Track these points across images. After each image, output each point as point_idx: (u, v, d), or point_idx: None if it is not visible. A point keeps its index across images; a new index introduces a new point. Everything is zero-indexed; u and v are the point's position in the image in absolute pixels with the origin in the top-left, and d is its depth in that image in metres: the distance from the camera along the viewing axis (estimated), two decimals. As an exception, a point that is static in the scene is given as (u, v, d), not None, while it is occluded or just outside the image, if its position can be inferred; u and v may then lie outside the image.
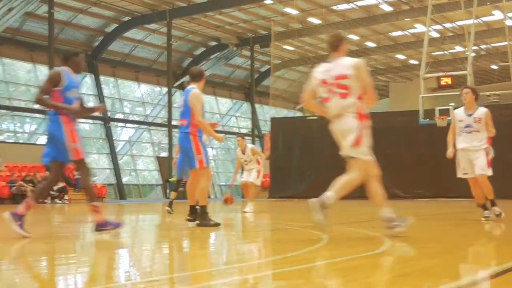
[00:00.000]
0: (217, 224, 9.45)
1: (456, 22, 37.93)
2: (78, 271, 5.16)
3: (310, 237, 7.52)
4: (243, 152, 16.61)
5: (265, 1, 35.22)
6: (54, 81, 7.72)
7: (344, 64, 7.15)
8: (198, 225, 9.48)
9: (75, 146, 7.77)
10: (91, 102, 38.96)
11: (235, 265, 5.31)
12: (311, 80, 7.46)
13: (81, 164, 7.85)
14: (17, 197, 26.16)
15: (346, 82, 7.07)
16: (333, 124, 7.30)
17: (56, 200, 26.94)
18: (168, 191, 35.54)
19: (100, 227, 7.93)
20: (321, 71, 7.33)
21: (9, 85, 34.43)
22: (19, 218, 7.46)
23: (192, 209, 9.94)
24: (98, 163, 39.72)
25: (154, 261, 5.98)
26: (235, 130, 49.21)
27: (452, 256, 5.78)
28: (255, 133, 45.58)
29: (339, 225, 9.58)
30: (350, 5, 36.79)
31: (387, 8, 36.83)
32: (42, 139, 33.89)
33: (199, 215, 9.64)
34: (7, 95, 34.16)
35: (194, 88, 9.63)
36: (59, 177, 12.36)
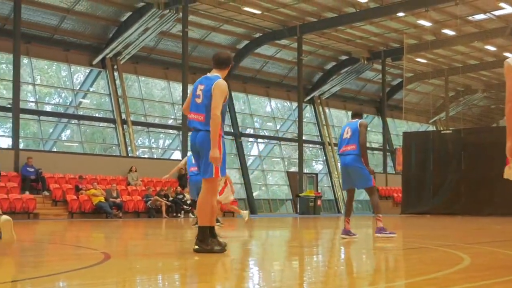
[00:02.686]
0: (223, 250, 7.65)
1: None
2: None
3: (449, 257, 7.13)
4: None
5: (397, 14, 34.62)
6: None
7: None
8: (197, 251, 7.60)
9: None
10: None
11: (377, 287, 5.05)
12: None
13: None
14: (151, 211, 26.85)
15: None
16: None
17: (190, 215, 27.38)
18: (298, 206, 35.49)
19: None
20: None
21: (145, 102, 35.50)
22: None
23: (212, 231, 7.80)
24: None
25: (283, 275, 5.81)
26: (367, 145, 48.50)
27: None
28: (386, 148, 44.78)
29: (480, 244, 9.09)
30: (487, 15, 35.51)
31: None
32: (176, 155, 34.68)
33: (198, 238, 7.66)
34: (143, 112, 35.21)
35: (219, 78, 7.88)
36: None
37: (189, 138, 8.41)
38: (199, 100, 7.79)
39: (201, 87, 7.82)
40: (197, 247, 7.60)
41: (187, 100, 8.08)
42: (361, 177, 10.81)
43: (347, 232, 10.81)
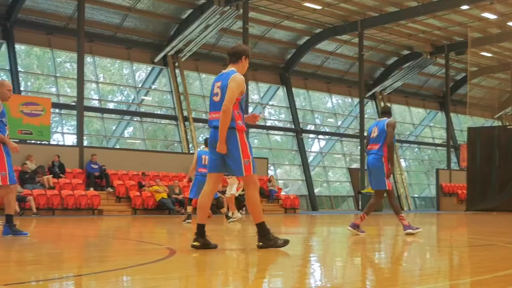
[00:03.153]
0: (286, 242, 7.59)
1: None
2: (271, 283, 5.03)
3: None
4: None
5: (460, 7, 33.98)
6: None
7: None
8: (262, 247, 7.50)
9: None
10: (282, 114, 39.54)
11: (441, 284, 4.94)
12: None
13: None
14: (213, 207, 26.91)
15: None
16: None
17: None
18: (360, 203, 35.22)
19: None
20: None
21: (206, 99, 35.67)
22: None
23: (200, 229, 7.50)
24: (290, 174, 40.18)
25: (345, 272, 5.75)
26: (429, 140, 47.93)
27: None
28: (450, 144, 44.03)
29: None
30: (556, 6, 34.61)
31: None
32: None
33: (260, 234, 7.56)
34: (204, 109, 35.38)
35: (235, 71, 7.58)
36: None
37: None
38: (217, 98, 7.50)
39: (218, 84, 7.57)
40: (261, 243, 7.50)
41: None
42: (376, 178, 10.66)
43: (354, 226, 10.70)
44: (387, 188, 10.57)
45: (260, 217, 7.52)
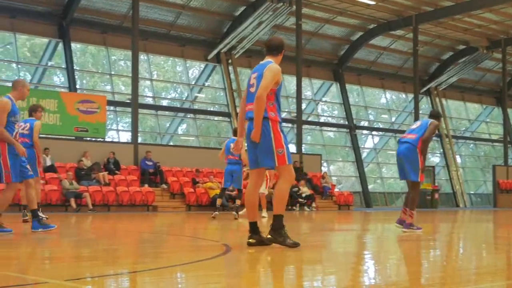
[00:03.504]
0: (295, 244, 7.18)
1: None
2: (324, 281, 5.01)
3: None
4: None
5: (517, 0, 33.33)
6: None
7: None
8: (270, 240, 7.28)
9: None
10: (336, 111, 39.37)
11: (498, 283, 4.85)
12: None
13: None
14: (268, 204, 26.93)
15: None
16: None
17: (305, 208, 27.40)
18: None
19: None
20: None
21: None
22: None
23: (253, 227, 7.45)
24: (344, 171, 39.99)
25: (399, 270, 5.69)
26: (485, 136, 47.16)
27: None
28: (507, 140, 43.21)
29: None
30: None
31: None
32: (291, 148, 34.67)
33: (273, 227, 7.29)
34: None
35: (271, 62, 7.46)
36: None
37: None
38: (253, 89, 7.33)
39: (254, 75, 7.43)
40: (269, 236, 7.27)
41: (243, 97, 7.70)
42: (411, 167, 10.39)
43: (401, 221, 10.59)
44: (419, 180, 10.45)
45: (281, 209, 7.31)
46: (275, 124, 7.23)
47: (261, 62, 7.58)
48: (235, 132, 15.69)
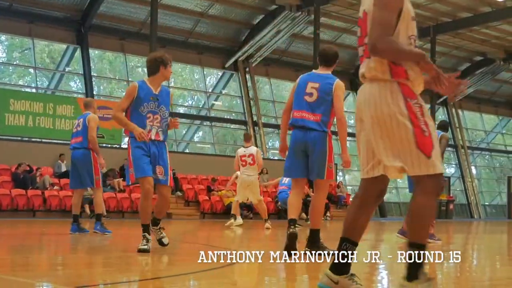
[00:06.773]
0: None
1: None
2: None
3: None
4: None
5: (535, 12, 33.18)
6: None
7: None
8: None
9: None
10: (351, 120, 39.32)
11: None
12: None
13: None
14: (281, 213, 26.93)
15: None
16: None
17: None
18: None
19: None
20: None
21: (276, 104, 35.77)
22: None
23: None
24: (359, 181, 39.71)
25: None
26: (501, 147, 46.94)
27: None
28: (524, 152, 42.99)
29: None
30: None
31: None
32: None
33: (310, 241, 7.42)
34: (273, 114, 35.48)
35: (335, 78, 7.52)
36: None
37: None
38: (311, 99, 7.38)
39: (313, 84, 7.40)
40: (308, 249, 7.35)
41: (288, 100, 7.72)
42: None
43: (403, 232, 10.58)
44: None
45: (319, 224, 7.47)
46: (330, 139, 7.50)
47: (320, 73, 7.57)
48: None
